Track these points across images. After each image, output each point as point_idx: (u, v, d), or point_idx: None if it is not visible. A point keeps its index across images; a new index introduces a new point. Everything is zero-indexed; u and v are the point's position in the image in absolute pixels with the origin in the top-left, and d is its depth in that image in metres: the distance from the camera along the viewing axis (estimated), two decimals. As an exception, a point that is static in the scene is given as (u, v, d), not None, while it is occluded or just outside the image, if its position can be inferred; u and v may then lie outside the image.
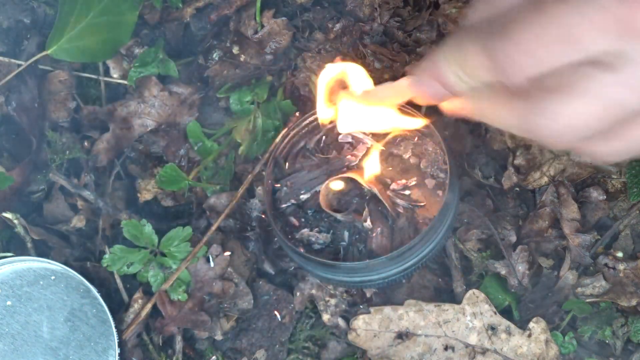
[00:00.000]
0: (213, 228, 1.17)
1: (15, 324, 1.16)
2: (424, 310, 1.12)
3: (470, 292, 1.12)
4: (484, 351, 1.09)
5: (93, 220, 1.25)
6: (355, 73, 0.97)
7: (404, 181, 1.13)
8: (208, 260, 1.17)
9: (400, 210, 1.12)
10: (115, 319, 1.13)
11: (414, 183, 1.13)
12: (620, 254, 1.14)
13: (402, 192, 1.13)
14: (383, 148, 1.17)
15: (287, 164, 1.19)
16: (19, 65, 1.30)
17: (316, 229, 1.13)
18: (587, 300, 1.12)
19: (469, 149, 1.23)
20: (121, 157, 1.29)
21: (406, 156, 1.16)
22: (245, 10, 1.31)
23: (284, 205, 1.15)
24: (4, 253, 1.20)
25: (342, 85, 0.98)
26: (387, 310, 1.13)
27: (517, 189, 1.20)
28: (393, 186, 1.13)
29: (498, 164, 1.23)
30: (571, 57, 0.57)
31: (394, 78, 1.27)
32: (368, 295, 1.16)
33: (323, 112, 1.01)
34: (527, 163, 1.21)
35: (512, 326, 1.10)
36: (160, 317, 1.16)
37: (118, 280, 1.20)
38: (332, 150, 1.19)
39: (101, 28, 1.28)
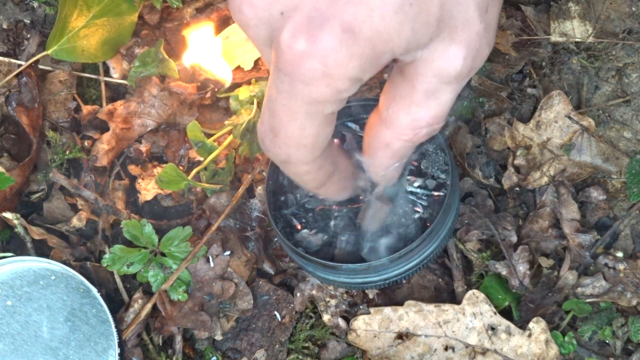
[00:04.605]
0: (213, 228, 1.17)
1: (15, 324, 1.16)
2: (424, 310, 1.12)
3: (470, 292, 1.12)
4: (484, 351, 1.09)
5: (93, 220, 1.25)
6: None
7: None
8: (208, 260, 1.17)
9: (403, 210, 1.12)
10: (115, 319, 1.13)
11: (414, 184, 1.13)
12: (620, 254, 1.14)
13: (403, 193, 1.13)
14: None
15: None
16: (19, 65, 1.29)
17: (315, 229, 1.13)
18: (587, 300, 1.12)
19: (469, 149, 1.23)
20: (121, 157, 1.29)
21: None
22: (245, 10, 1.31)
23: (285, 211, 1.15)
24: (4, 253, 1.20)
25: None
26: (387, 310, 1.13)
27: (518, 189, 1.20)
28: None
29: (498, 164, 1.23)
30: None
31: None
32: (370, 296, 1.16)
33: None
34: (527, 163, 1.21)
35: (512, 326, 1.10)
36: (160, 317, 1.16)
37: (118, 280, 1.20)
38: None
39: (101, 28, 1.28)
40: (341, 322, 1.15)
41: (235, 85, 1.26)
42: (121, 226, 1.18)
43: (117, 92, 1.34)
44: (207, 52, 1.24)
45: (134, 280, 1.19)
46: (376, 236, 1.09)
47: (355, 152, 0.99)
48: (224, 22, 1.31)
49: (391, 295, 1.16)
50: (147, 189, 1.25)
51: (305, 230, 1.13)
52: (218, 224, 1.18)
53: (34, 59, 1.30)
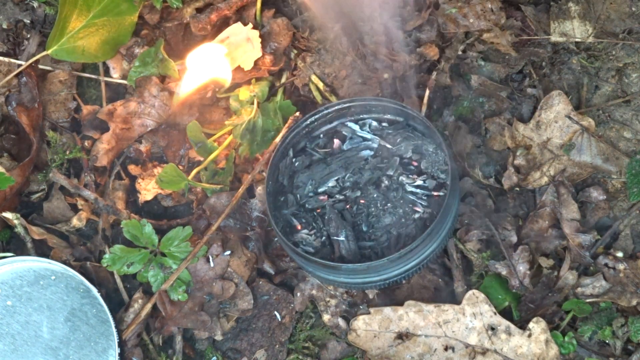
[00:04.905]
0: (213, 228, 1.17)
1: (15, 324, 1.17)
2: (424, 310, 1.12)
3: (470, 292, 1.12)
4: (484, 351, 1.09)
5: (93, 220, 1.25)
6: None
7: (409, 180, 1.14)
8: (208, 260, 1.17)
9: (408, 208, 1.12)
10: (115, 319, 1.13)
11: (415, 183, 1.13)
12: (620, 254, 1.14)
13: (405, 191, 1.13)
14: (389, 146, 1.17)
15: (287, 163, 1.19)
16: (19, 65, 1.29)
17: (315, 229, 1.14)
18: (587, 300, 1.12)
19: (469, 149, 1.23)
20: (121, 157, 1.29)
21: (407, 156, 1.16)
22: (245, 10, 1.31)
23: (285, 211, 1.15)
24: (4, 253, 1.20)
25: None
26: (387, 310, 1.13)
27: (517, 189, 1.20)
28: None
29: (498, 164, 1.23)
30: None
31: (394, 78, 1.27)
32: (370, 296, 1.16)
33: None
34: (527, 163, 1.21)
35: (512, 326, 1.10)
36: (160, 317, 1.16)
37: (118, 280, 1.20)
38: (333, 142, 1.19)
39: (101, 28, 1.28)
40: (341, 322, 1.15)
41: (235, 85, 1.27)
42: (121, 226, 1.18)
43: (117, 92, 1.34)
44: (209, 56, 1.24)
45: (134, 280, 1.19)
46: None
47: None
48: (224, 22, 1.31)
49: (391, 295, 1.16)
50: (147, 189, 1.25)
51: (305, 231, 1.14)
52: (218, 224, 1.18)
53: (34, 59, 1.30)
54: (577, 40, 1.28)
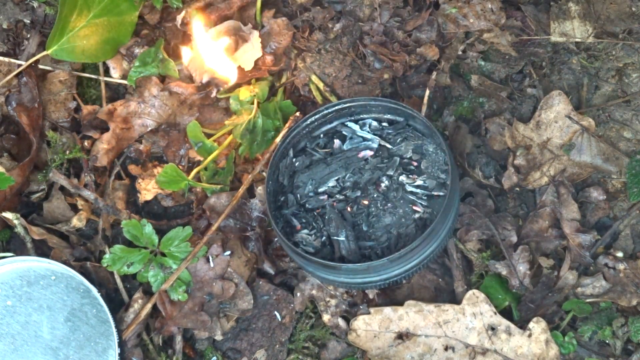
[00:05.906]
0: (213, 228, 1.17)
1: (15, 324, 1.17)
2: (424, 310, 1.12)
3: (470, 292, 1.12)
4: (484, 351, 1.09)
5: (93, 220, 1.25)
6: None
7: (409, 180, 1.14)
8: (208, 260, 1.17)
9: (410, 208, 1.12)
10: (115, 319, 1.13)
11: (415, 183, 1.13)
12: (620, 254, 1.14)
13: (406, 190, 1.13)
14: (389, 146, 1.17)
15: (287, 163, 1.19)
16: (19, 65, 1.29)
17: (315, 230, 1.14)
18: (587, 300, 1.12)
19: (469, 149, 1.23)
20: (121, 157, 1.29)
21: (407, 156, 1.16)
22: (245, 10, 1.31)
23: (285, 211, 1.15)
24: (4, 253, 1.20)
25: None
26: (387, 310, 1.13)
27: (518, 189, 1.20)
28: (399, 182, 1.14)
29: (498, 164, 1.23)
30: None
31: (394, 78, 1.27)
32: (370, 296, 1.16)
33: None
34: (527, 163, 1.21)
35: (512, 326, 1.10)
36: (160, 317, 1.16)
37: (118, 280, 1.20)
38: (333, 142, 1.19)
39: (101, 28, 1.28)
40: (341, 322, 1.15)
41: (235, 85, 1.27)
42: (121, 226, 1.18)
43: (117, 92, 1.34)
44: (210, 48, 1.24)
45: (134, 280, 1.19)
46: None
47: None
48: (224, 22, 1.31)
49: (391, 295, 1.16)
50: (147, 189, 1.25)
51: (305, 231, 1.14)
52: (218, 224, 1.18)
53: (34, 59, 1.30)
54: (577, 40, 1.28)
